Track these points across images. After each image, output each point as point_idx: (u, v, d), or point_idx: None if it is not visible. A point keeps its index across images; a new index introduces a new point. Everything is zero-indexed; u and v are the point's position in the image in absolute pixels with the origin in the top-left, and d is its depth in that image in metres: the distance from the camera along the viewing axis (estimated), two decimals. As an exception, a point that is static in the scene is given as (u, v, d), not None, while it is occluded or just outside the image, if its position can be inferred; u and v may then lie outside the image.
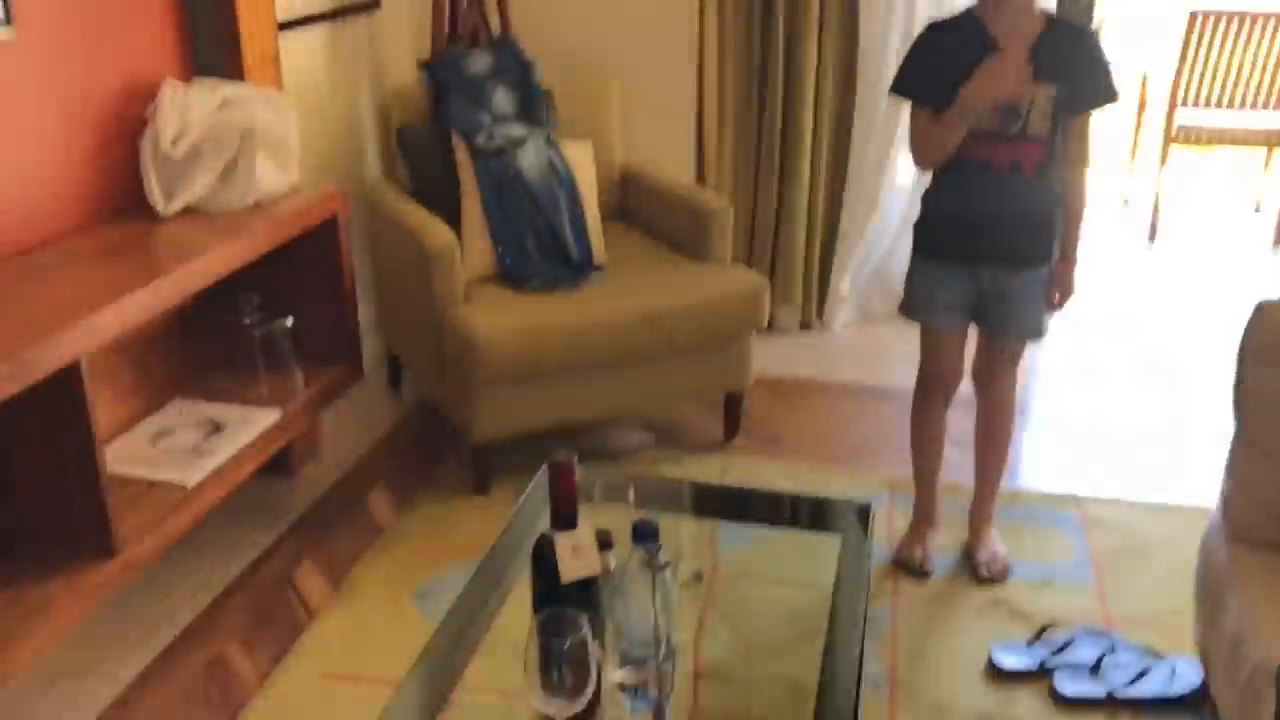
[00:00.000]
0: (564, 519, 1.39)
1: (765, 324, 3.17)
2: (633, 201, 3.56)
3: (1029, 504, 2.97)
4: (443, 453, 3.21)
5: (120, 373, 2.62)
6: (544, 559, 1.39)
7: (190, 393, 2.79)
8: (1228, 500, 2.02)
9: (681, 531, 1.59)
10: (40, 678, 2.29)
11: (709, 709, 1.66)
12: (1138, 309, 4.40)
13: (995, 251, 2.45)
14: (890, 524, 2.87)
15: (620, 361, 2.96)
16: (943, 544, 2.77)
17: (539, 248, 3.10)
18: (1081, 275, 2.52)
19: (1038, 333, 2.53)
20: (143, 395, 2.70)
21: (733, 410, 3.30)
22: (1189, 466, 3.19)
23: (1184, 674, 2.30)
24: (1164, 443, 3.33)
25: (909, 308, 2.61)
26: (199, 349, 2.88)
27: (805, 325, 4.10)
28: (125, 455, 2.49)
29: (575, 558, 1.34)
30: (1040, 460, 3.20)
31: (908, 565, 2.68)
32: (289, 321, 2.79)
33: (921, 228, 2.56)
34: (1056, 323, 2.57)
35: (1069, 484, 3.07)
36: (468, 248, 3.03)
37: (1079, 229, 2.47)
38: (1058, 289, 2.50)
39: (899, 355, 3.90)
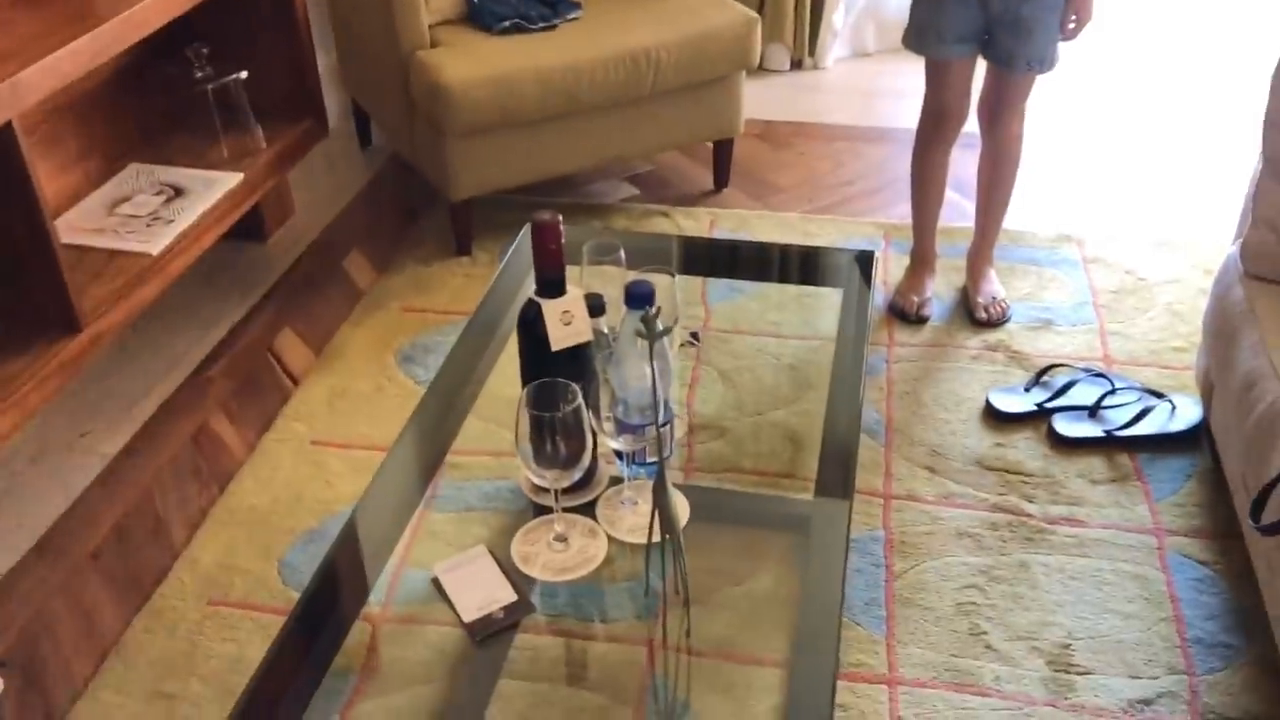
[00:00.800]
0: (550, 285, 1.28)
1: (756, 62, 2.96)
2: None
3: (1029, 244, 2.87)
4: (420, 211, 3.07)
5: (65, 138, 2.44)
6: (532, 326, 1.30)
7: (145, 157, 2.62)
8: (1247, 236, 1.93)
9: (674, 290, 1.49)
10: (24, 454, 2.24)
11: (704, 461, 1.62)
12: (1145, 37, 4.16)
13: (1008, -29, 2.24)
14: (886, 269, 2.79)
15: (603, 107, 2.77)
16: (939, 289, 2.70)
17: (509, -16, 2.85)
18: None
19: (1049, 63, 2.35)
20: (94, 161, 2.53)
21: (722, 158, 3.14)
22: (1195, 203, 3.08)
23: (1183, 411, 2.28)
24: (1168, 179, 3.21)
25: (913, 39, 2.42)
26: (150, 110, 2.68)
27: (797, 64, 3.87)
28: (82, 225, 2.36)
29: (564, 325, 1.25)
30: (1041, 199, 3.08)
31: (904, 311, 2.62)
32: (243, 75, 2.58)
33: (927, -53, 2.34)
34: (1067, 52, 2.39)
35: (1071, 224, 2.97)
36: (431, -14, 2.78)
37: (1101, -57, 2.25)
38: (1075, 13, 2.30)
39: (894, 93, 3.71)
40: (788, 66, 3.85)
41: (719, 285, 2.04)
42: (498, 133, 2.70)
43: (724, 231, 2.98)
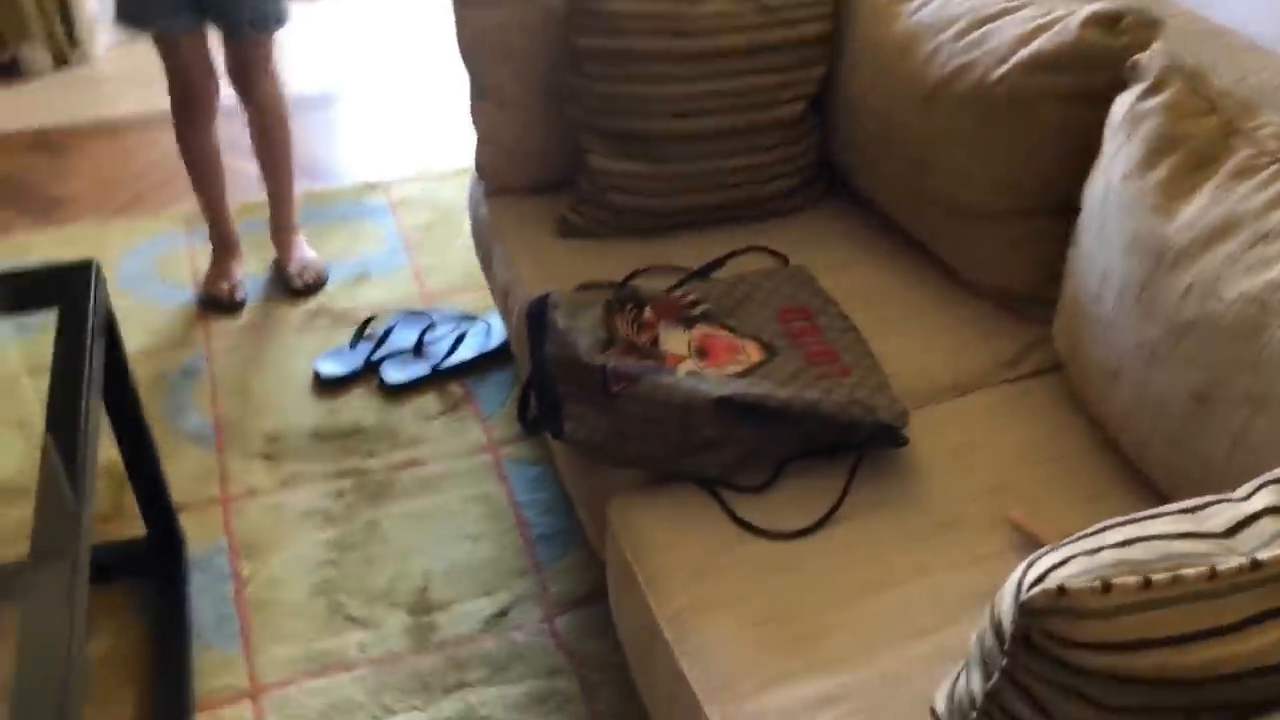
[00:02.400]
0: None
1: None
2: None
3: (334, 201, 2.84)
4: None
5: None
6: None
7: None
8: (477, 154, 2.01)
9: None
10: None
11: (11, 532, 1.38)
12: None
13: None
14: (194, 263, 2.62)
15: None
16: (253, 268, 2.58)
17: None
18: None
19: (276, 19, 2.28)
20: None
21: (-21, 182, 2.76)
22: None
23: (498, 327, 2.38)
24: (448, 108, 3.28)
25: (124, 14, 2.23)
26: None
27: (62, 61, 3.49)
28: None
29: None
30: (338, 152, 3.05)
31: (217, 301, 2.47)
32: None
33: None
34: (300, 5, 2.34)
35: (372, 171, 2.97)
36: None
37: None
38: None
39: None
40: (52, 66, 3.46)
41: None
42: None
43: (4, 264, 2.62)
